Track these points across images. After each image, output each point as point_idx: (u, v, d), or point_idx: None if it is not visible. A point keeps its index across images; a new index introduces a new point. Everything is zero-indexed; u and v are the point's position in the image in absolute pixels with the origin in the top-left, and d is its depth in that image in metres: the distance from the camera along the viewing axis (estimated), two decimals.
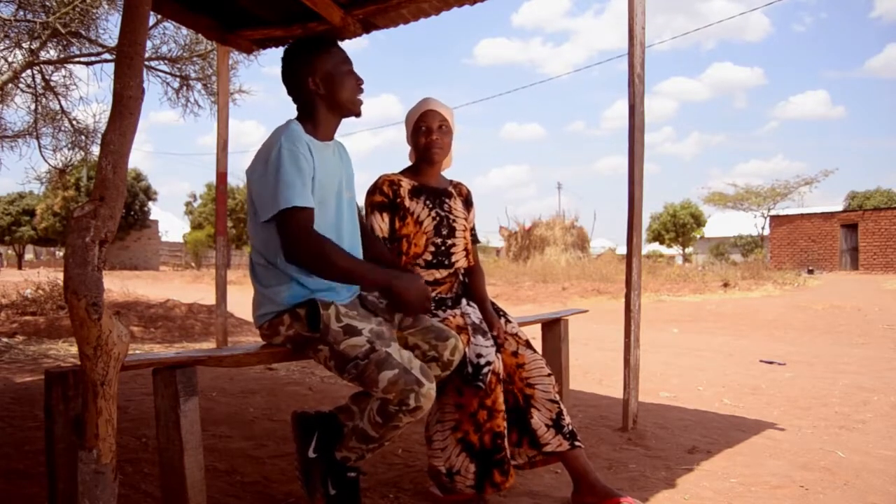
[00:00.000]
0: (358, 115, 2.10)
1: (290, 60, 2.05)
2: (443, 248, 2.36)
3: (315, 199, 1.93)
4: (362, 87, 2.09)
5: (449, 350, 2.06)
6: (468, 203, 2.54)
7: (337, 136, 2.14)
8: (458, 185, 2.54)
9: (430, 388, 1.82)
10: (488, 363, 2.11)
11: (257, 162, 1.95)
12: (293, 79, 2.04)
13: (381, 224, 2.33)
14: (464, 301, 2.36)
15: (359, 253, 2.11)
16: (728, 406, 3.91)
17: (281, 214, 1.86)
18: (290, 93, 2.07)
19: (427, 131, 2.35)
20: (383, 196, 2.34)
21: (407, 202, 2.35)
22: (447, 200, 2.43)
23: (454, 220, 2.41)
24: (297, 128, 1.98)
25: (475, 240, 2.54)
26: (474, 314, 2.29)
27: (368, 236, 2.25)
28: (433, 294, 2.34)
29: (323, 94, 2.02)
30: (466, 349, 2.13)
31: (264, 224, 1.92)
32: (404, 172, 2.43)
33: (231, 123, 4.49)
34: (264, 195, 1.89)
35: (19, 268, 34.20)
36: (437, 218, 2.36)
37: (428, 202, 2.37)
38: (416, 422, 2.29)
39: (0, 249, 34.77)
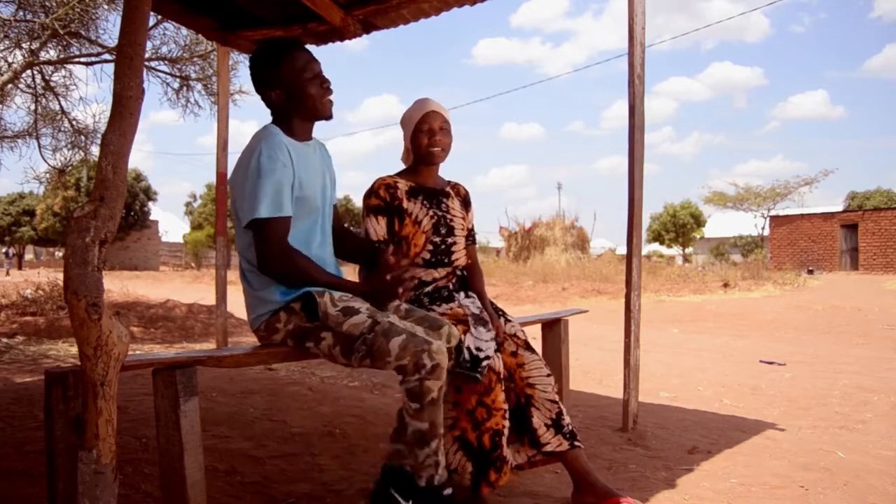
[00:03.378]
0: (328, 117, 2.10)
1: (253, 71, 2.07)
2: (442, 246, 2.36)
3: (297, 198, 1.97)
4: (329, 87, 2.08)
5: (444, 338, 2.06)
6: (466, 203, 2.54)
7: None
8: (455, 186, 2.54)
9: (439, 345, 1.86)
10: (487, 357, 2.10)
11: (238, 168, 1.98)
12: (258, 90, 2.07)
13: (377, 227, 2.33)
14: (461, 294, 2.35)
15: (330, 250, 2.15)
16: (728, 406, 3.91)
17: (256, 223, 1.90)
18: (260, 97, 2.09)
19: (430, 132, 2.34)
20: (380, 200, 2.34)
21: (405, 204, 2.34)
22: (445, 200, 2.43)
23: (452, 220, 2.41)
24: (276, 132, 2.01)
25: (473, 241, 2.54)
26: (473, 305, 2.29)
27: (342, 228, 2.30)
28: (430, 288, 2.34)
29: (287, 103, 2.04)
30: (464, 337, 2.12)
31: (246, 230, 1.95)
32: (401, 174, 2.43)
33: (231, 124, 4.50)
34: (244, 201, 1.93)
35: (19, 268, 34.22)
36: (435, 217, 2.36)
37: (425, 202, 2.37)
38: None
39: (8, 250, 34.83)
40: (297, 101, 2.04)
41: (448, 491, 1.90)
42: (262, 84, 2.05)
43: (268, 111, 2.08)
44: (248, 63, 2.11)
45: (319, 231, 2.09)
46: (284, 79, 2.02)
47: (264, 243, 1.91)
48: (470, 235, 2.52)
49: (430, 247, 2.34)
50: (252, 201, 1.89)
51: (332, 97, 2.10)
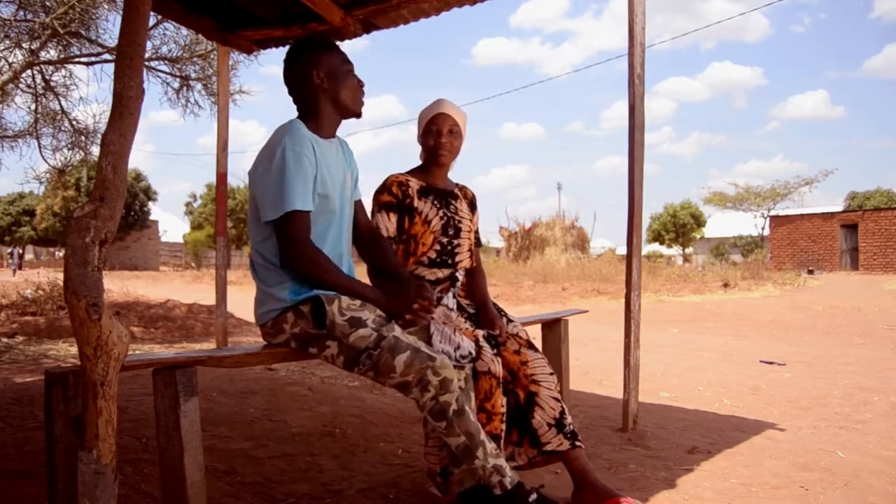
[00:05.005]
0: (359, 115, 2.13)
1: (293, 57, 2.06)
2: (448, 247, 2.37)
3: (318, 195, 1.96)
4: (363, 88, 2.12)
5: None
6: (473, 206, 2.55)
7: (338, 135, 2.16)
8: (463, 189, 2.56)
9: (442, 360, 1.87)
10: (464, 356, 2.08)
11: (260, 161, 1.96)
12: (297, 74, 2.05)
13: (388, 224, 2.33)
14: (448, 295, 2.35)
15: (348, 249, 2.14)
16: (728, 406, 3.91)
17: (281, 218, 1.88)
18: (291, 92, 2.08)
19: (437, 133, 2.37)
20: (392, 196, 2.35)
21: (416, 202, 2.36)
22: (453, 202, 2.45)
23: (460, 221, 2.42)
24: (301, 127, 1.99)
25: (478, 243, 2.55)
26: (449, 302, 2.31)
27: (377, 236, 2.27)
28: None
29: (327, 90, 2.03)
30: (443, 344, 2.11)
31: (265, 224, 1.94)
32: (412, 172, 2.45)
33: (231, 124, 4.50)
34: (266, 196, 1.91)
35: (20, 268, 34.22)
36: (445, 218, 2.37)
37: (436, 202, 2.39)
38: (419, 422, 2.27)
39: (14, 250, 34.78)
40: (335, 91, 2.04)
41: (533, 497, 1.90)
42: (303, 68, 2.03)
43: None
44: (284, 55, 2.08)
45: (335, 230, 2.07)
46: (326, 66, 2.03)
47: (288, 239, 1.89)
48: (475, 237, 2.53)
49: (437, 247, 2.35)
50: (278, 197, 1.88)
51: (363, 97, 2.13)
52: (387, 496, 2.24)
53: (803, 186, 30.58)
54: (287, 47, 2.12)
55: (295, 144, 1.91)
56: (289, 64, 2.07)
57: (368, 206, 2.38)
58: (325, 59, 2.04)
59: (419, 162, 2.48)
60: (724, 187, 33.39)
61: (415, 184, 2.39)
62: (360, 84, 2.11)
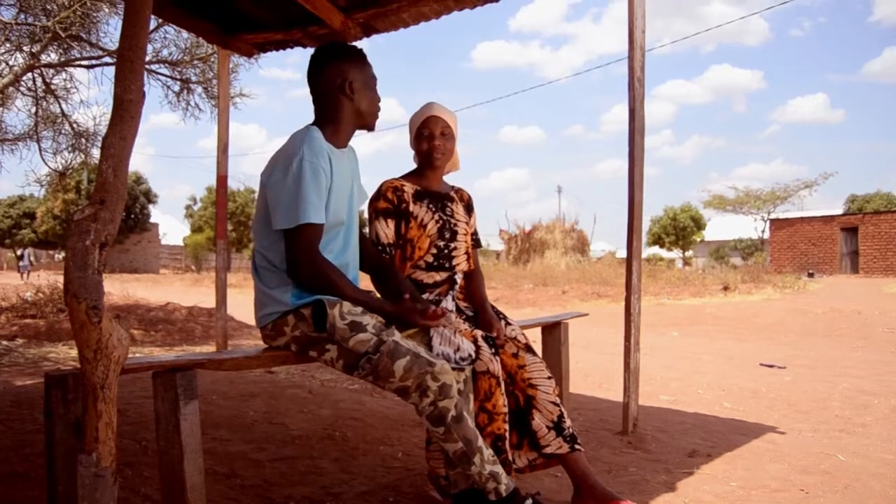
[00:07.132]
0: (372, 129, 2.17)
1: (324, 60, 2.06)
2: (445, 251, 2.37)
3: (330, 204, 1.97)
4: (380, 106, 2.16)
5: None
6: (469, 208, 2.55)
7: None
8: (459, 191, 2.55)
9: (442, 365, 1.87)
10: (463, 358, 2.09)
11: (276, 167, 1.96)
12: (324, 78, 2.06)
13: (387, 230, 2.33)
14: (448, 298, 2.35)
15: (355, 259, 2.15)
16: (728, 409, 3.90)
17: (293, 230, 1.89)
18: (314, 92, 2.09)
19: (429, 137, 2.36)
20: (388, 202, 2.34)
21: (411, 207, 2.35)
22: (449, 205, 2.44)
23: (456, 224, 2.41)
24: (319, 136, 2.00)
25: (477, 244, 2.55)
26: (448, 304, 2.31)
27: (363, 239, 2.29)
28: (429, 294, 2.34)
29: (351, 99, 2.05)
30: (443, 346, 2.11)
31: (273, 230, 1.94)
32: (406, 177, 2.44)
33: (232, 127, 4.51)
34: (280, 205, 1.91)
35: (18, 270, 34.22)
36: (441, 221, 2.37)
37: (431, 206, 2.38)
38: (420, 425, 2.27)
39: (24, 251, 34.57)
40: (359, 102, 2.07)
41: (529, 502, 1.90)
42: (332, 73, 2.04)
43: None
44: (313, 53, 2.10)
45: (342, 239, 2.08)
46: (355, 76, 2.05)
47: (298, 250, 1.90)
48: (473, 239, 2.53)
49: (433, 251, 2.35)
50: (292, 207, 1.88)
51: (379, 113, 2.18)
52: (387, 499, 2.24)
53: (803, 189, 30.69)
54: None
55: (313, 156, 1.92)
56: (316, 66, 2.07)
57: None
58: (357, 69, 2.06)
59: (415, 166, 2.48)
60: (724, 190, 33.67)
61: (410, 188, 2.38)
62: (379, 100, 2.15)
